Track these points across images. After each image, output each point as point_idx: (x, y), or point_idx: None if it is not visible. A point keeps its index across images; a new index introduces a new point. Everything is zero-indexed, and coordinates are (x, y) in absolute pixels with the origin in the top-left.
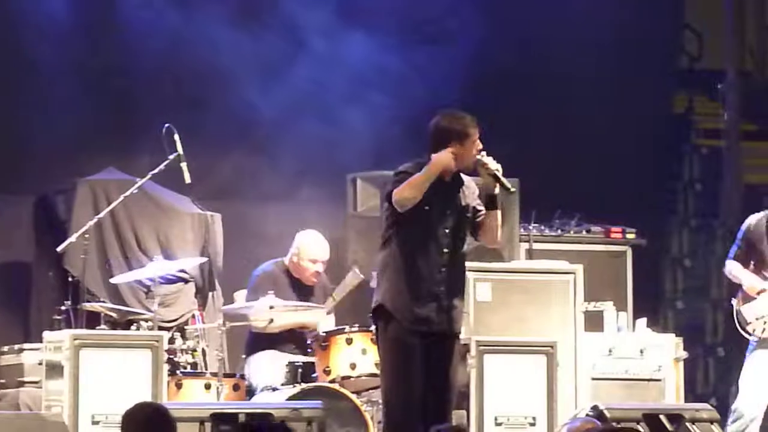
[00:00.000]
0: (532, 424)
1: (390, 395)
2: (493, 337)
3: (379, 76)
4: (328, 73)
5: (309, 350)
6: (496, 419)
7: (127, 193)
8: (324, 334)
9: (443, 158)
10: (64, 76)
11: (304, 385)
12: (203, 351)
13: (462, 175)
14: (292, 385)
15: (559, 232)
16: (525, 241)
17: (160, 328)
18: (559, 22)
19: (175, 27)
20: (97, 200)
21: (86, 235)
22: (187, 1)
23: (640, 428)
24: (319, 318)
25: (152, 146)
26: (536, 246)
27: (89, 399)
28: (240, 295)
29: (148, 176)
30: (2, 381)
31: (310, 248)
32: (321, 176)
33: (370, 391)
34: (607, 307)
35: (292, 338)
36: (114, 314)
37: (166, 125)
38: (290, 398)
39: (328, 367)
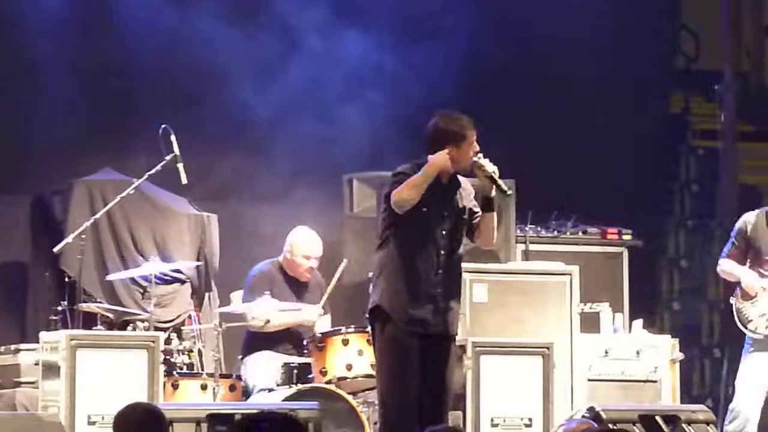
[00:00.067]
0: (528, 426)
1: (386, 396)
2: (489, 338)
3: (377, 75)
4: (324, 73)
5: (305, 351)
6: (492, 420)
7: (124, 194)
8: (320, 335)
9: (440, 159)
10: (60, 77)
11: (300, 386)
12: (199, 351)
13: (459, 176)
14: (288, 386)
15: (556, 233)
16: (521, 243)
17: (157, 329)
18: (556, 21)
19: (172, 27)
20: (93, 201)
21: (83, 236)
22: (184, 0)
23: (636, 429)
24: (316, 316)
25: (149, 147)
26: (532, 247)
27: (86, 399)
28: (236, 296)
29: (145, 177)
30: None
31: (303, 244)
32: (317, 177)
33: (367, 392)
34: (604, 309)
35: (289, 339)
36: (110, 315)
37: (163, 126)
38: (286, 399)
39: (324, 368)
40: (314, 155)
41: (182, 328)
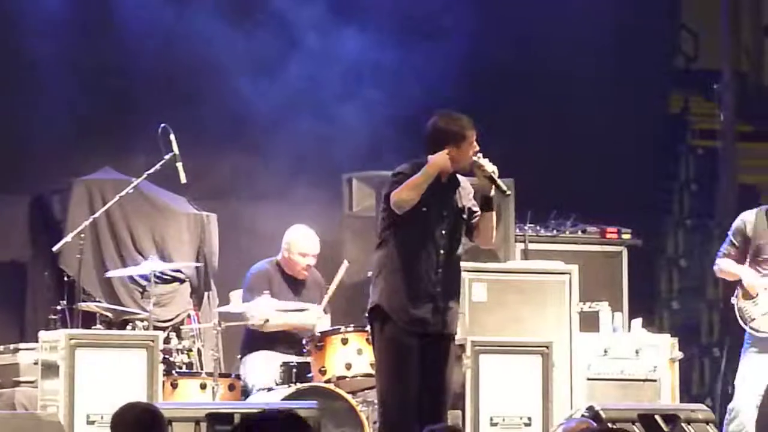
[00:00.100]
0: (528, 425)
1: (386, 395)
2: (488, 338)
3: (376, 74)
4: (323, 72)
5: (304, 351)
6: (491, 419)
7: (123, 193)
8: (319, 334)
9: (440, 160)
10: (59, 76)
11: (299, 385)
12: (199, 351)
13: (458, 176)
14: (287, 385)
15: (555, 232)
16: (520, 242)
17: (156, 328)
18: (555, 21)
19: (171, 27)
20: (92, 200)
21: (82, 235)
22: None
23: (636, 429)
24: (315, 319)
25: (148, 146)
26: (532, 246)
27: (85, 399)
28: (235, 295)
29: (144, 176)
30: None
31: (300, 242)
32: (316, 176)
33: (366, 391)
34: (603, 308)
35: (288, 339)
36: (109, 314)
37: (162, 125)
38: (285, 398)
39: (323, 367)
40: (314, 154)
41: (181, 327)
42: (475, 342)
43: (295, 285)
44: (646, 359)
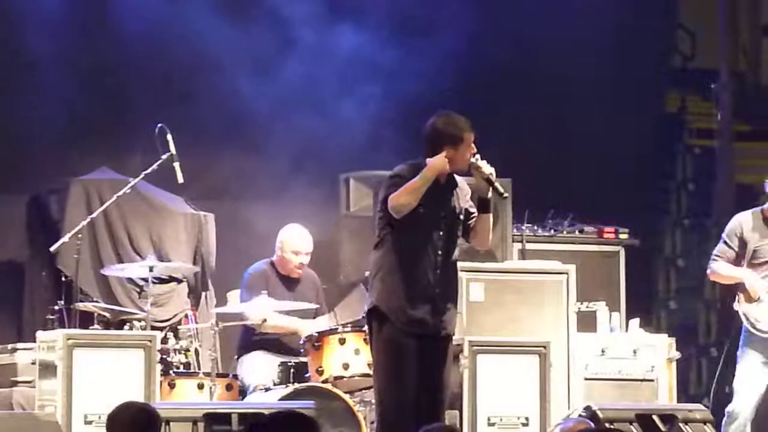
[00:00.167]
0: (525, 425)
1: (384, 395)
2: (485, 338)
3: (374, 74)
4: (321, 72)
5: (301, 351)
6: (488, 419)
7: (120, 193)
8: (316, 334)
9: (438, 163)
10: (57, 76)
11: (296, 385)
12: (196, 351)
13: (456, 176)
14: (284, 385)
15: (552, 232)
16: (518, 241)
17: (153, 328)
18: (554, 21)
19: (169, 26)
20: (90, 200)
21: (79, 235)
22: None
23: (633, 429)
24: (310, 331)
25: (145, 146)
26: (529, 246)
27: (82, 399)
28: (233, 295)
29: (141, 176)
30: None
31: (293, 240)
32: (314, 176)
33: (363, 391)
34: (600, 308)
35: (283, 344)
36: (107, 314)
37: (159, 125)
38: (283, 398)
39: (320, 367)
40: (311, 154)
41: (179, 327)
42: (472, 342)
43: (289, 283)
44: (643, 359)
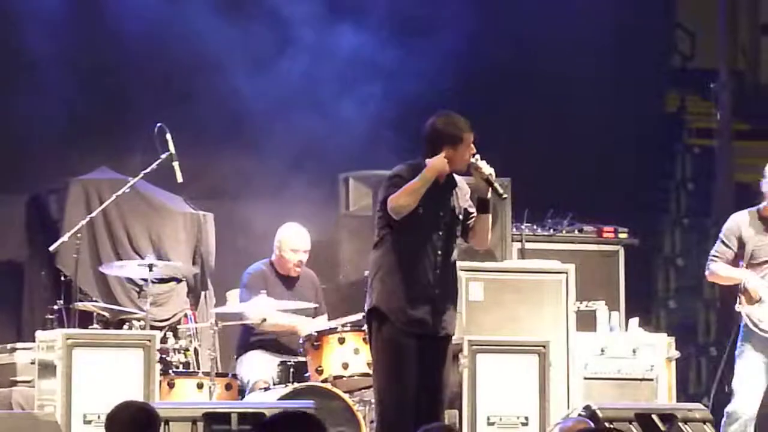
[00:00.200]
0: (525, 424)
1: (383, 395)
2: (485, 337)
3: (373, 73)
4: (320, 72)
5: (300, 351)
6: (488, 419)
7: (120, 192)
8: (316, 333)
9: (438, 164)
10: (57, 76)
11: (296, 385)
12: (195, 350)
13: (455, 176)
14: (284, 385)
15: (552, 231)
16: (517, 241)
17: (153, 328)
18: (553, 21)
19: (168, 26)
20: (89, 199)
21: (78, 235)
22: None
23: (633, 428)
24: (309, 330)
25: (144, 145)
26: (528, 245)
27: (82, 398)
28: (232, 295)
29: (141, 175)
30: None
31: (291, 239)
32: (313, 175)
33: (363, 390)
34: (600, 307)
35: (282, 344)
36: (106, 313)
37: (159, 124)
38: (282, 398)
39: (320, 366)
40: (310, 154)
41: (178, 326)
42: (472, 341)
43: (287, 281)
44: (643, 358)
